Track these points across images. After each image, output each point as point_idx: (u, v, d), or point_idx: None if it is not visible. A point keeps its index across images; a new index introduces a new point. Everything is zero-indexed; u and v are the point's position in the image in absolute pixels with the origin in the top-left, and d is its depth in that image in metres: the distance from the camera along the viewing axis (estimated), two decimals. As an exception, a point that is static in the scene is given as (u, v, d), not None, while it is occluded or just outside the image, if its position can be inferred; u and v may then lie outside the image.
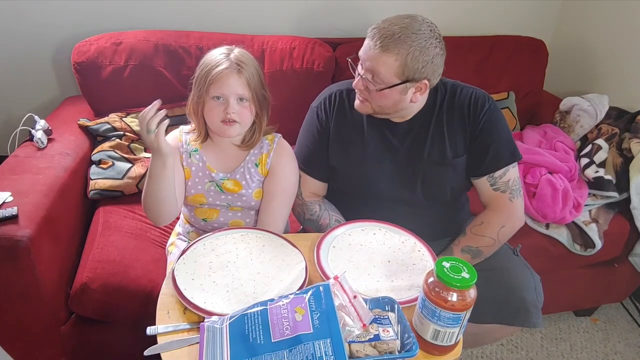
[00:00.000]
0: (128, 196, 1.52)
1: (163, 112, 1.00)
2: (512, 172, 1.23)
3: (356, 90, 1.18)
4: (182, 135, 1.21)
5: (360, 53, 1.14)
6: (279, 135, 1.25)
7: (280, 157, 1.21)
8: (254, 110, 1.14)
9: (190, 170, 1.19)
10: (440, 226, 1.31)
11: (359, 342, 0.79)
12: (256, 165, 1.20)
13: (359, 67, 1.16)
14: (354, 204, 1.28)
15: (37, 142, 1.43)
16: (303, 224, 1.33)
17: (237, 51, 1.13)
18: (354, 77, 1.27)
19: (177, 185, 1.15)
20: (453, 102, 1.23)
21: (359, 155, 1.26)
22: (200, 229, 1.28)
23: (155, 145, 1.02)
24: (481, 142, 1.21)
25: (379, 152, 1.25)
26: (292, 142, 1.79)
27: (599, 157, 1.73)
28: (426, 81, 1.12)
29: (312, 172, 1.30)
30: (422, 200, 1.27)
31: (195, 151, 1.20)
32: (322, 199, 1.33)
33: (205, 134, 1.19)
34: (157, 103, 1.00)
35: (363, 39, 2.11)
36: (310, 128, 1.30)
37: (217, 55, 1.11)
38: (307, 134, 1.31)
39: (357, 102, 1.20)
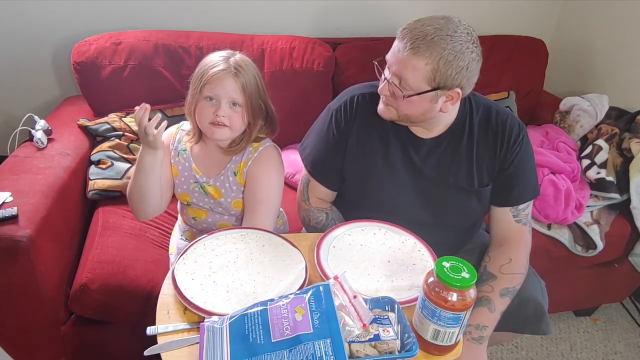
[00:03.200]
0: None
1: (158, 116, 1.01)
2: (531, 206, 1.21)
3: (381, 96, 1.10)
4: (178, 133, 1.21)
5: (388, 56, 1.05)
6: (267, 144, 1.19)
7: (259, 166, 1.16)
8: (246, 119, 1.11)
9: (177, 168, 1.20)
10: (455, 246, 1.29)
11: (359, 342, 0.79)
12: (234, 174, 1.18)
13: (386, 70, 1.07)
14: (364, 218, 1.16)
15: (37, 142, 1.43)
16: (307, 229, 1.30)
17: (238, 56, 1.10)
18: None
19: (163, 182, 1.15)
20: (487, 126, 1.15)
21: (379, 168, 1.18)
22: (193, 227, 1.28)
23: (152, 143, 1.03)
24: (511, 174, 1.16)
25: (400, 168, 1.17)
26: (291, 142, 1.81)
27: (599, 158, 1.73)
28: (459, 90, 1.02)
29: (322, 178, 1.23)
30: (441, 224, 1.21)
31: (184, 150, 1.19)
32: (330, 206, 1.27)
33: (198, 135, 1.17)
34: (145, 106, 0.99)
35: (363, 39, 2.12)
36: (325, 131, 1.21)
37: (216, 57, 1.09)
38: (320, 137, 1.22)
39: (380, 107, 1.11)
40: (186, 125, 1.22)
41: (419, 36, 0.98)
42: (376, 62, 1.10)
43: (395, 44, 1.03)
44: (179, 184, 1.20)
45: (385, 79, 1.07)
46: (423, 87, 1.01)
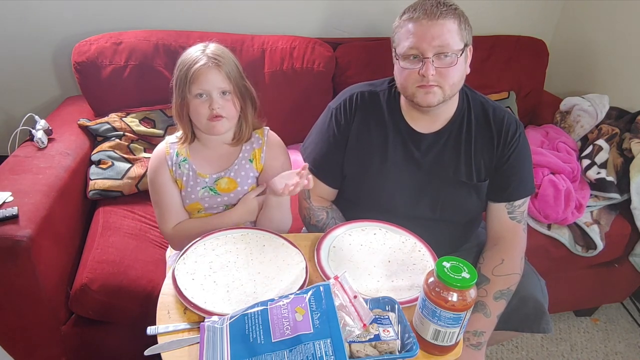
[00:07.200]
0: (128, 196, 1.51)
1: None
2: (527, 204, 1.21)
3: (423, 81, 1.06)
4: (169, 147, 1.19)
5: (412, 42, 1.04)
6: (267, 127, 1.24)
7: (273, 150, 1.21)
8: (238, 104, 1.13)
9: (181, 180, 1.18)
10: (454, 243, 1.29)
11: (359, 342, 0.79)
12: (250, 161, 1.20)
13: (408, 59, 1.06)
14: (364, 216, 1.17)
15: (38, 142, 1.43)
16: (308, 228, 1.30)
17: (212, 46, 1.13)
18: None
19: (179, 202, 1.19)
20: (485, 122, 1.17)
21: (378, 165, 1.19)
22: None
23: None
24: (507, 170, 1.17)
25: (400, 164, 1.18)
26: (292, 141, 1.80)
27: (600, 158, 1.73)
28: (471, 46, 1.10)
29: (323, 176, 1.24)
30: (440, 219, 1.21)
31: (184, 161, 1.18)
32: (331, 204, 1.28)
33: (191, 136, 1.18)
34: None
35: (363, 39, 2.11)
36: (325, 130, 1.23)
37: (193, 53, 1.11)
38: (321, 135, 1.24)
39: (422, 97, 1.08)
40: (171, 138, 1.21)
41: (434, 4, 1.04)
42: (398, 57, 1.10)
43: (411, 25, 1.05)
44: (186, 196, 1.19)
45: (422, 61, 1.05)
46: (460, 45, 1.06)
